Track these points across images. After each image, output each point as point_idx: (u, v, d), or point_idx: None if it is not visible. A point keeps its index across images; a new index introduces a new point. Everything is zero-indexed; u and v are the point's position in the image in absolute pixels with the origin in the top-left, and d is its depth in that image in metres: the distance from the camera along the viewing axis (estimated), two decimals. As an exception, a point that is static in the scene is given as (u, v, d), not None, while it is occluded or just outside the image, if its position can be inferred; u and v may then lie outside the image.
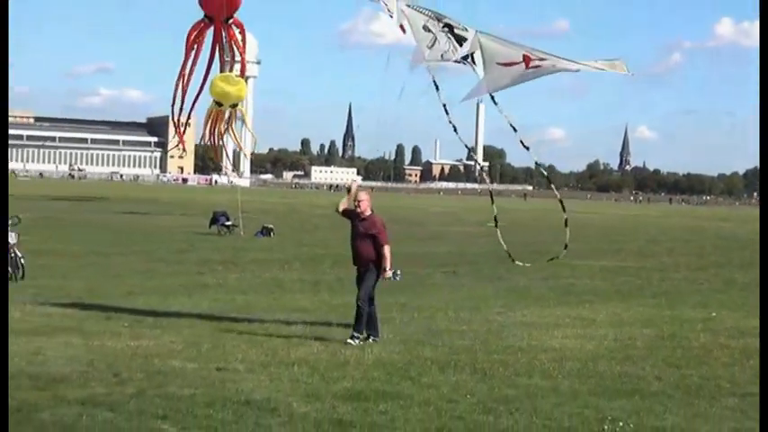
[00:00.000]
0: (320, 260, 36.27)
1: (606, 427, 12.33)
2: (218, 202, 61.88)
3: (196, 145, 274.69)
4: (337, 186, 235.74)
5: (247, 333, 18.90)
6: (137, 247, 39.48)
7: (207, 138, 19.28)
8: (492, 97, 19.50)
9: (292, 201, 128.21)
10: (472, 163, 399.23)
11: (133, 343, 17.51)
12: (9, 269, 27.42)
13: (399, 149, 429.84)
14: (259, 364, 15.92)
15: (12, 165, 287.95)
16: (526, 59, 19.05)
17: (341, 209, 19.16)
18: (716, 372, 16.38)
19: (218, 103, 18.82)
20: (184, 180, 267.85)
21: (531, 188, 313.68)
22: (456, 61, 19.44)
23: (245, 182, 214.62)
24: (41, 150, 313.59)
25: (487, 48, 19.30)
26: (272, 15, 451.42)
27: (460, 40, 19.30)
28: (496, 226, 19.95)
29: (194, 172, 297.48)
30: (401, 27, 19.57)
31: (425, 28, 19.51)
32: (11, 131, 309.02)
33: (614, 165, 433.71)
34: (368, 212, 18.84)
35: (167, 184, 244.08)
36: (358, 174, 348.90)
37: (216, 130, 19.87)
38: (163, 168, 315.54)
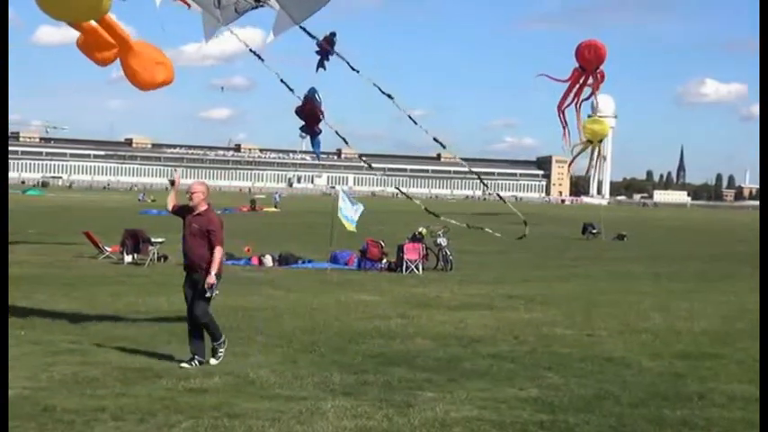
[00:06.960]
0: (659, 258, 35.36)
1: None
2: (587, 216, 61.11)
3: (571, 176, 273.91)
4: (655, 204, 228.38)
5: (608, 309, 18.68)
6: (528, 247, 39.58)
7: (588, 169, 18.34)
8: (304, 29, 12.56)
9: (639, 215, 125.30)
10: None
11: (527, 315, 17.63)
12: (441, 262, 28.09)
13: (718, 176, 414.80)
14: (616, 331, 15.71)
15: (441, 192, 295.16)
16: None
17: (169, 207, 12.54)
18: None
19: (589, 141, 17.80)
20: (562, 201, 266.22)
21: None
22: (254, 7, 12.89)
23: (605, 201, 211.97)
24: (462, 181, 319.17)
25: None
26: (627, 81, 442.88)
27: None
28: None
29: (570, 194, 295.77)
30: (184, 2, 13.21)
31: None
32: (449, 168, 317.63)
33: None
34: (203, 207, 12.10)
35: (549, 203, 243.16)
36: (687, 195, 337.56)
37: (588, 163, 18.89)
38: (547, 192, 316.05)
